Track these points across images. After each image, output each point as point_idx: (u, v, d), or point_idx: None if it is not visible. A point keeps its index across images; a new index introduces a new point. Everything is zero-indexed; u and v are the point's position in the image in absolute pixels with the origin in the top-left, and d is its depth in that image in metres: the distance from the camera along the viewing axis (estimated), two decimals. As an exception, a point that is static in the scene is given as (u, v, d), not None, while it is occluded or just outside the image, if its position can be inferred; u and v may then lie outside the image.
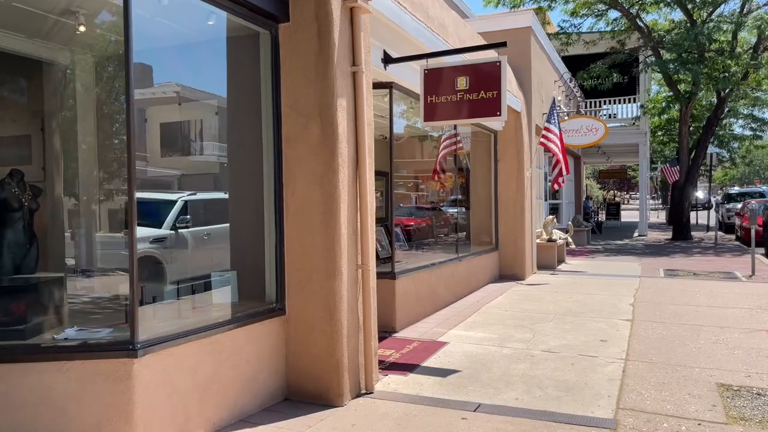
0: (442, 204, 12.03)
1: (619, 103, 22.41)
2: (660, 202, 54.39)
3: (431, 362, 5.43)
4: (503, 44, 5.72)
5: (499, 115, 5.62)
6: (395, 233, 8.15)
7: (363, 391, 4.61)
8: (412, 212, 11.40)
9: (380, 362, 5.38)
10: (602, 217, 30.38)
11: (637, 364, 5.28)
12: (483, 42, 8.85)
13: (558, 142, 10.92)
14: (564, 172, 10.86)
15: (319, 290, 4.42)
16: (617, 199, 52.06)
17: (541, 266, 12.00)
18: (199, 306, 4.72)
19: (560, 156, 10.85)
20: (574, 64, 20.05)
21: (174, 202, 9.23)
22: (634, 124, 21.59)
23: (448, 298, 8.18)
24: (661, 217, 38.60)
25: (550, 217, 12.63)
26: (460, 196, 11.60)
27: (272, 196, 4.49)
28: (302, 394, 4.47)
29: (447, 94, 5.81)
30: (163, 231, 8.86)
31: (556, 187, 11.12)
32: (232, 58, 4.71)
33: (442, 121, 5.98)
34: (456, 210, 11.57)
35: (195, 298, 4.87)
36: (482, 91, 5.67)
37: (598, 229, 22.49)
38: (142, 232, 8.02)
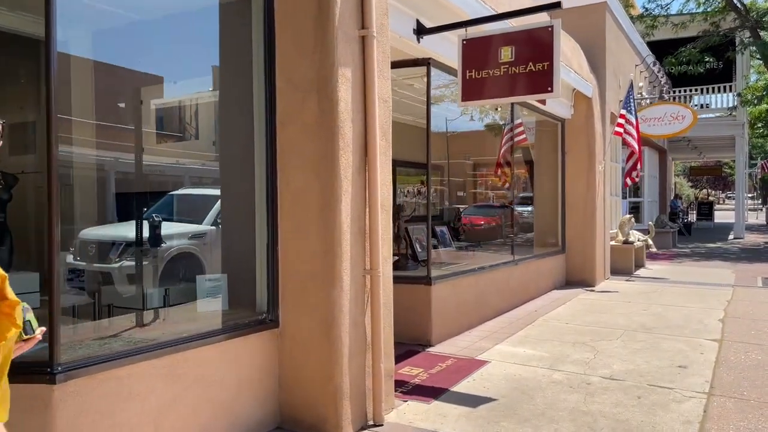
0: (512, 202, 11.01)
1: (713, 92, 20.26)
2: (760, 202, 49.87)
3: (463, 386, 4.56)
4: (557, 5, 4.74)
5: (551, 91, 4.65)
6: (440, 233, 7.30)
7: (370, 422, 3.82)
8: (480, 210, 10.49)
9: (403, 384, 4.58)
10: (692, 217, 27.93)
11: (723, 401, 4.18)
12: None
13: (634, 132, 9.64)
14: (638, 165, 9.57)
15: (315, 300, 3.68)
16: (710, 198, 48.23)
17: (616, 271, 10.72)
18: (176, 316, 4.09)
19: (635, 147, 9.57)
20: (661, 49, 18.28)
21: (217, 197, 8.85)
22: (730, 114, 19.44)
23: (500, 306, 7.22)
24: (760, 217, 35.20)
25: (628, 216, 11.30)
26: (524, 194, 10.56)
27: (264, 187, 3.79)
28: (297, 424, 3.74)
29: (489, 68, 4.90)
30: (204, 227, 8.43)
31: (628, 182, 9.83)
32: (224, 29, 4.05)
33: (483, 101, 5.07)
34: (522, 209, 10.55)
35: (182, 307, 4.26)
36: (531, 63, 4.72)
37: (687, 231, 20.50)
38: (180, 228, 7.62)
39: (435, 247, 7.22)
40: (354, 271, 3.71)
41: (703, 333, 6.22)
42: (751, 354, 5.39)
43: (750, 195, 46.81)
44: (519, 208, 10.87)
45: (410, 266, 6.24)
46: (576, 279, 9.74)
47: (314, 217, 3.67)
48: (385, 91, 4.07)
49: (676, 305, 7.76)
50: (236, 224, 4.02)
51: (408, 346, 5.66)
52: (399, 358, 5.27)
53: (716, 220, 29.18)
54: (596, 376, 4.77)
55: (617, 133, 9.70)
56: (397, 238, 6.40)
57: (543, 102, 8.29)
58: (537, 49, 4.70)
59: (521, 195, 11.06)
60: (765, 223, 30.05)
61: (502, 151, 10.60)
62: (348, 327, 3.67)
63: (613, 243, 11.01)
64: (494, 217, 11.56)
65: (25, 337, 1.40)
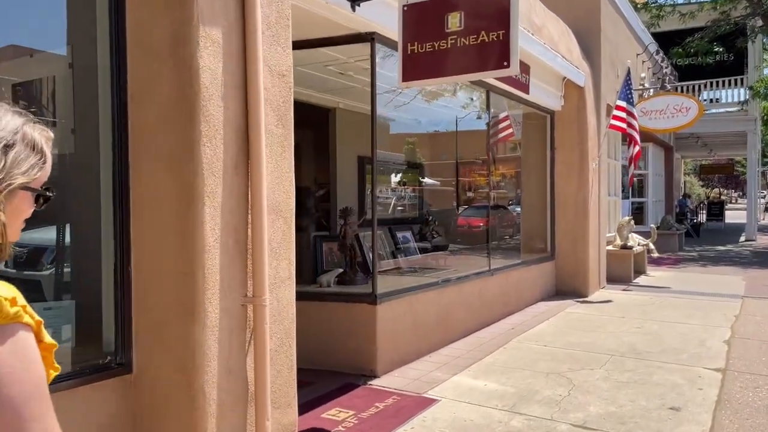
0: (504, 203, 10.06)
1: (723, 87, 19.12)
2: (773, 201, 48.43)
3: (395, 438, 3.63)
4: (515, -41, 3.78)
5: (507, 66, 3.70)
6: (402, 239, 6.35)
7: (252, 499, 2.90)
8: (475, 212, 9.56)
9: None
10: (702, 217, 26.76)
11: (725, 465, 3.22)
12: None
13: (636, 125, 8.65)
14: (636, 162, 8.58)
15: (173, 339, 2.76)
16: (722, 197, 46.90)
17: (613, 279, 9.73)
18: None
19: (637, 139, 8.57)
20: (668, 41, 17.20)
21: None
22: (741, 108, 18.32)
23: (470, 325, 6.26)
24: (774, 218, 33.87)
25: (627, 218, 10.29)
26: (507, 194, 9.64)
27: (111, 187, 2.87)
28: (153, 500, 2.83)
29: (434, 40, 3.96)
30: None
31: (634, 180, 8.84)
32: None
33: (427, 80, 4.13)
34: (510, 210, 9.63)
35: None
36: (483, 33, 3.77)
37: (695, 232, 19.41)
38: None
39: (395, 255, 6.28)
40: (226, 301, 2.79)
41: (703, 359, 5.24)
42: (761, 390, 4.42)
43: (763, 194, 45.41)
44: (505, 211, 9.94)
45: (359, 280, 5.30)
46: (567, 288, 8.76)
47: (169, 228, 2.75)
48: (283, 63, 3.14)
49: (676, 321, 6.77)
50: (81, 236, 3.11)
51: (347, 378, 4.72)
52: (331, 395, 4.35)
53: (727, 221, 28.01)
54: (565, 423, 3.82)
55: (613, 127, 8.71)
56: (342, 247, 5.47)
57: (524, 90, 7.33)
58: (490, 14, 3.76)
59: (508, 196, 10.14)
60: (778, 223, 28.79)
61: (487, 148, 9.70)
62: (217, 375, 2.75)
63: (610, 248, 10.02)
64: (483, 219, 10.62)
65: None
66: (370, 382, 4.66)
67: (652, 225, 10.88)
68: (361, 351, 4.83)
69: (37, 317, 0.99)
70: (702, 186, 50.40)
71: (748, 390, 4.43)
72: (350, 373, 4.81)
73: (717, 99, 19.56)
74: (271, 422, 2.98)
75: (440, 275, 6.12)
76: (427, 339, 5.48)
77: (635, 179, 8.90)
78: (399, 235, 6.36)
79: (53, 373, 1.05)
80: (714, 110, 19.25)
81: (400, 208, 8.96)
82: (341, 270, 5.28)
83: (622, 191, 14.33)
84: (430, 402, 4.21)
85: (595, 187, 9.05)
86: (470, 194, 10.45)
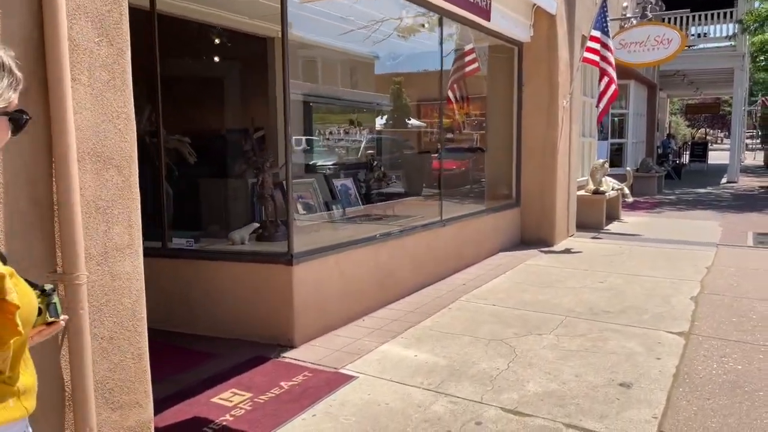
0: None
1: (712, 21, 18.09)
2: (759, 141, 48.03)
3: (290, 430, 3.04)
4: None
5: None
6: (342, 188, 5.66)
7: None
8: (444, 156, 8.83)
9: (204, 424, 3.06)
10: (686, 159, 26.20)
11: (674, 464, 2.67)
12: None
13: (611, 58, 7.85)
14: (612, 100, 7.83)
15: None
16: (708, 138, 46.39)
17: (584, 226, 9.15)
18: None
19: (614, 77, 7.79)
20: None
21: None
22: (730, 44, 17.43)
23: (415, 281, 5.66)
24: (758, 158, 33.46)
25: (600, 161, 9.62)
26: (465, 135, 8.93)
27: None
28: None
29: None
30: None
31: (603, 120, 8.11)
32: None
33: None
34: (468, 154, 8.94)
35: None
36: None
37: (677, 174, 18.86)
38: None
39: (329, 207, 5.60)
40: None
41: (667, 320, 4.69)
42: (728, 360, 3.87)
43: (749, 134, 44.86)
44: (482, 153, 9.20)
45: (279, 237, 4.63)
46: (533, 237, 8.18)
47: (-69, 185, 2.02)
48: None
49: (642, 274, 6.22)
50: None
51: (259, 350, 4.12)
52: (232, 371, 3.75)
53: (711, 162, 27.53)
54: (495, 406, 3.24)
55: (587, 60, 7.90)
56: (261, 198, 4.76)
57: (484, 16, 6.47)
58: None
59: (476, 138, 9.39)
60: (763, 164, 28.36)
61: (450, 83, 8.88)
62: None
63: (581, 193, 9.40)
64: (459, 161, 9.94)
65: (50, 320, 1.21)
66: (283, 354, 4.06)
67: (628, 168, 10.23)
68: (277, 318, 4.21)
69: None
70: (688, 126, 49.70)
71: (712, 360, 3.88)
72: (264, 344, 4.21)
73: (705, 34, 18.59)
74: (108, 426, 2.35)
75: (381, 229, 5.45)
76: (361, 301, 4.87)
77: (614, 119, 8.15)
78: (337, 183, 5.64)
79: (18, 339, 0.94)
80: (702, 45, 18.33)
81: (345, 153, 8.22)
82: (257, 225, 4.59)
83: (600, 132, 13.63)
84: (346, 379, 3.62)
85: (566, 127, 8.32)
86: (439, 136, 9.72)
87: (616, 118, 14.78)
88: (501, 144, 8.37)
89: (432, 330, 4.55)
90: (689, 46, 18.29)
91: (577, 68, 8.36)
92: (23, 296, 1.01)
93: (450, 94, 8.91)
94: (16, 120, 1.07)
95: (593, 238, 8.55)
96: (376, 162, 6.74)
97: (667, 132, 29.18)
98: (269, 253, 4.34)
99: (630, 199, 9.94)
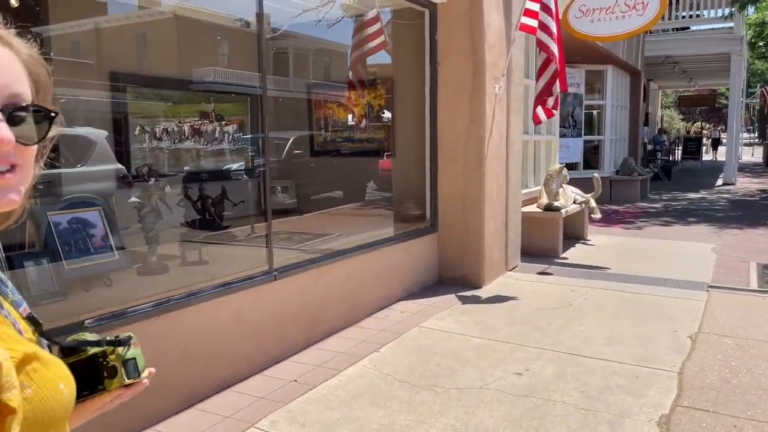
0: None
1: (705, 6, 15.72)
2: (757, 135, 45.77)
3: None
4: None
5: None
6: (70, 226, 3.37)
7: None
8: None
9: None
10: (678, 155, 23.94)
11: None
12: None
13: (553, 26, 5.56)
14: (558, 89, 5.54)
15: None
16: (704, 132, 44.07)
17: (534, 252, 6.88)
18: None
19: (554, 52, 5.50)
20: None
21: None
22: (726, 22, 15.15)
23: (205, 381, 3.36)
24: (757, 155, 31.19)
25: (557, 167, 7.34)
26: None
27: None
28: None
29: None
30: None
31: (541, 115, 5.81)
32: None
33: None
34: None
35: None
36: None
37: (666, 175, 16.59)
38: None
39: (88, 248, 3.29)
40: None
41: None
42: None
43: (747, 128, 42.62)
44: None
45: None
46: (454, 274, 5.90)
47: None
48: None
49: (589, 353, 3.94)
50: None
51: None
52: None
53: (706, 158, 25.30)
54: None
55: (525, 28, 5.59)
56: None
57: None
58: None
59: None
60: (762, 161, 26.09)
61: (352, 63, 6.76)
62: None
63: (529, 210, 7.13)
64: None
65: (127, 381, 0.90)
66: None
67: (594, 174, 7.93)
68: None
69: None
70: (682, 120, 47.41)
71: None
72: None
73: (698, 14, 16.28)
74: None
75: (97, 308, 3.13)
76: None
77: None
78: (61, 221, 3.32)
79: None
80: (695, 26, 16.06)
81: (193, 159, 5.96)
82: None
83: (571, 127, 11.36)
84: None
85: (500, 120, 6.04)
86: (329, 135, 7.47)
87: (594, 112, 12.51)
88: (411, 145, 6.09)
89: None
90: (682, 28, 16.04)
91: (514, 40, 6.05)
92: (45, 387, 0.66)
93: (352, 76, 6.67)
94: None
95: (541, 273, 6.26)
96: (152, 175, 4.29)
97: (659, 127, 26.96)
98: None
99: (597, 216, 7.69)
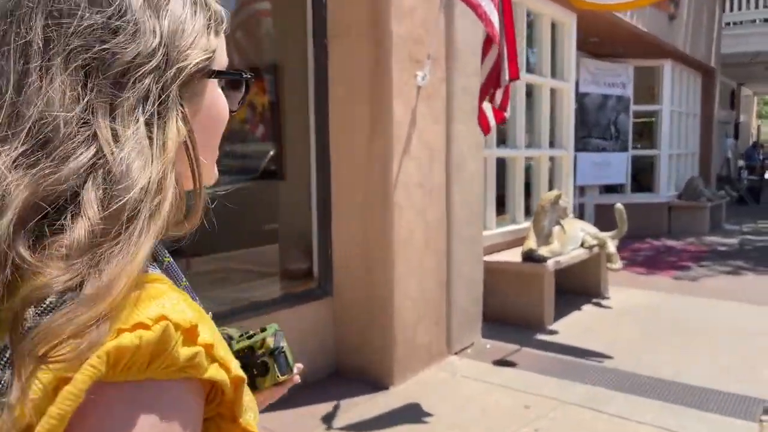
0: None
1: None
2: None
3: None
4: None
5: None
6: None
7: None
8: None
9: None
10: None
11: None
12: None
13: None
14: (506, 76, 3.39)
15: None
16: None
17: (510, 320, 4.68)
18: None
19: (495, 27, 3.36)
20: None
21: None
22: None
23: None
24: None
25: (552, 194, 5.07)
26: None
27: None
28: None
29: None
30: None
31: (490, 118, 3.66)
32: None
33: None
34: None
35: None
36: None
37: (754, 198, 13.48)
38: None
39: None
40: None
41: None
42: None
43: None
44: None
45: None
46: (353, 362, 3.85)
47: None
48: None
49: None
50: None
51: None
52: None
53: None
54: None
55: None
56: None
57: None
58: None
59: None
60: None
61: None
62: None
63: (503, 259, 4.93)
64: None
65: (281, 378, 0.81)
66: None
67: (617, 205, 5.53)
68: None
69: (238, 370, 0.56)
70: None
71: None
72: None
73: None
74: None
75: None
76: None
77: (506, 114, 3.70)
78: None
79: None
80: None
81: None
82: None
83: (615, 138, 8.97)
84: None
85: (429, 128, 3.96)
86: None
87: (650, 119, 9.95)
88: (295, 165, 4.12)
89: None
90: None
91: (444, 4, 3.94)
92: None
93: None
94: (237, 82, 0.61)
95: (499, 363, 4.03)
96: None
97: (753, 141, 23.16)
98: None
99: (616, 266, 5.34)
